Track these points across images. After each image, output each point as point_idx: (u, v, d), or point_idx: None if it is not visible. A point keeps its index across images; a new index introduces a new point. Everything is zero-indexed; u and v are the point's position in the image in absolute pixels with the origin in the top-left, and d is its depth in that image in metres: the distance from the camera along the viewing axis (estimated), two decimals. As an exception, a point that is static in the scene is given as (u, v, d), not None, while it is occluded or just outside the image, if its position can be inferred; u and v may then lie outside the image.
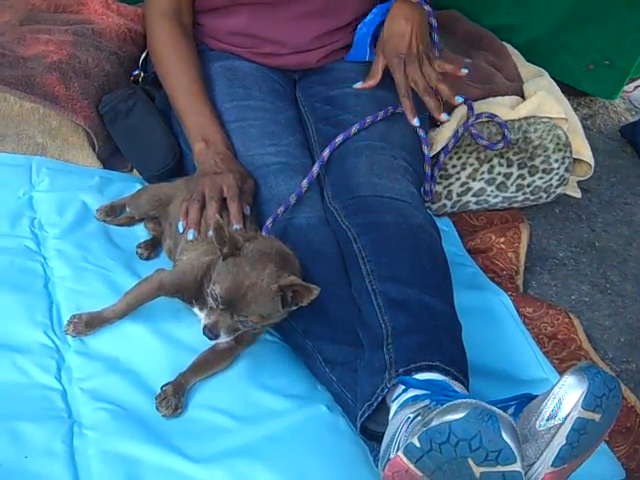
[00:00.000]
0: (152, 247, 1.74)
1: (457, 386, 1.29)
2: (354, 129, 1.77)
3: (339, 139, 1.75)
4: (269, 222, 1.60)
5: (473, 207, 2.14)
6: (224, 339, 1.39)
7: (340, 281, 1.57)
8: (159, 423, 1.39)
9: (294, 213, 1.66)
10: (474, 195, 2.12)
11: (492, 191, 2.12)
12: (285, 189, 1.68)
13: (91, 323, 1.48)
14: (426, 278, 1.50)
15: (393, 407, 1.31)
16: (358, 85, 1.86)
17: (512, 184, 2.12)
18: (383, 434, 1.29)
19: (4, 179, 1.81)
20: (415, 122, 1.76)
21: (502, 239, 2.05)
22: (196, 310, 1.51)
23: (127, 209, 1.79)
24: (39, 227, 1.72)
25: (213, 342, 1.41)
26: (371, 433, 1.37)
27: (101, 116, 1.94)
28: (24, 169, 1.85)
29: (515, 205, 2.17)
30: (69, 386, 1.41)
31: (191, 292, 1.49)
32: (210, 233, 1.52)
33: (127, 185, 1.91)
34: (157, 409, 1.38)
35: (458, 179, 2.09)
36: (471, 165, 2.08)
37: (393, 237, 1.55)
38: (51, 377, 1.41)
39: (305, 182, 1.67)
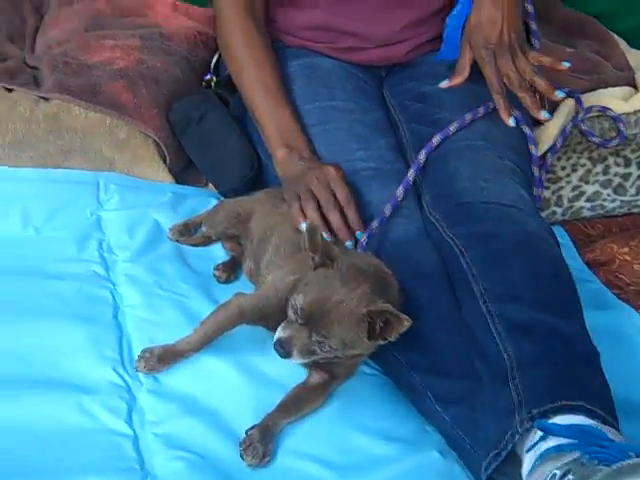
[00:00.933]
0: (231, 269, 1.60)
1: (609, 431, 1.09)
2: (452, 128, 1.60)
3: (436, 139, 1.59)
4: (364, 238, 1.46)
5: (587, 214, 1.94)
6: (296, 359, 1.24)
7: (448, 303, 1.40)
8: (244, 474, 1.22)
9: (390, 225, 1.49)
10: (588, 200, 1.92)
11: (609, 195, 1.92)
12: (378, 198, 1.53)
13: (165, 358, 1.33)
14: (552, 296, 1.31)
15: (528, 458, 1.13)
16: (444, 84, 1.69)
17: (631, 186, 1.92)
18: None
19: (70, 197, 1.71)
20: (511, 122, 1.59)
21: (625, 249, 1.80)
22: None
23: (203, 227, 1.65)
24: (108, 250, 1.61)
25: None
26: None
27: (171, 125, 1.82)
28: (91, 186, 1.75)
29: (635, 210, 1.96)
30: (141, 431, 1.26)
31: (276, 319, 1.31)
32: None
33: (202, 201, 1.77)
34: (241, 457, 1.22)
35: (569, 182, 1.90)
36: (583, 166, 1.89)
37: (507, 249, 1.37)
38: (121, 421, 1.27)
39: (400, 190, 1.51)
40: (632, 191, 1.93)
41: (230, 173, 1.77)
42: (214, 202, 1.72)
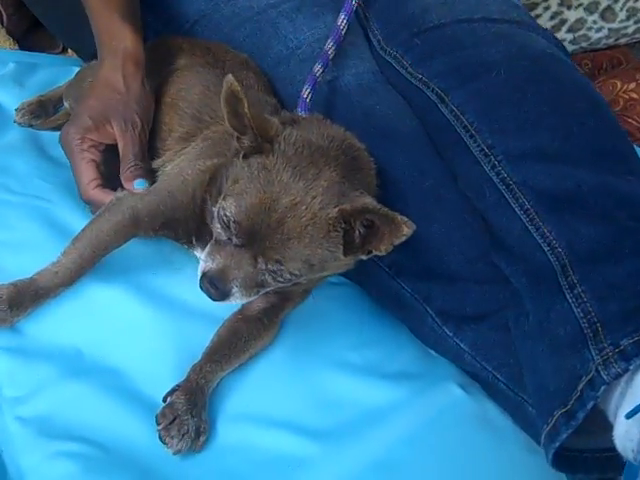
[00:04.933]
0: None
1: None
2: None
3: None
4: (306, 91, 1.08)
5: (569, 48, 1.65)
6: (238, 299, 0.91)
7: (437, 174, 1.07)
8: (171, 469, 0.87)
9: (335, 70, 1.16)
10: (570, 30, 1.71)
11: (594, 22, 1.70)
12: (310, 36, 1.20)
13: (20, 300, 0.96)
14: (595, 143, 0.97)
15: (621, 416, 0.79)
16: None
17: (622, 9, 1.71)
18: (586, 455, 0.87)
19: None
20: None
21: (632, 85, 1.50)
22: (198, 252, 1.04)
23: (65, 103, 1.34)
24: None
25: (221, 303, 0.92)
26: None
27: None
28: None
29: (622, 41, 1.75)
30: (-4, 416, 0.91)
31: (188, 225, 1.03)
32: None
33: (58, 71, 1.47)
34: (162, 442, 0.88)
35: (547, 8, 1.68)
36: None
37: (511, 81, 1.04)
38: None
39: (342, 18, 1.16)
40: (622, 15, 1.72)
41: (90, 30, 1.37)
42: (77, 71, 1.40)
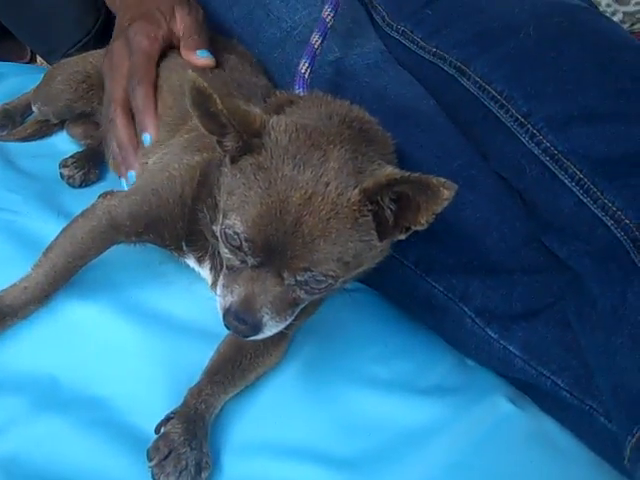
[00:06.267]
0: (87, 163, 1.16)
1: None
2: None
3: None
4: (303, 66, 0.95)
5: None
6: (274, 328, 0.77)
7: (465, 154, 0.95)
8: None
9: (338, 50, 1.07)
10: None
11: (608, 5, 1.53)
12: (307, 15, 1.11)
13: None
14: None
15: None
16: None
17: None
18: None
19: None
20: None
21: None
22: (191, 261, 0.94)
23: (34, 107, 1.23)
24: None
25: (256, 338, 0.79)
26: None
27: None
28: None
29: (638, 27, 1.61)
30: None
31: (176, 227, 0.91)
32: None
33: (25, 80, 1.37)
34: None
35: None
36: None
37: (541, 40, 0.93)
38: None
39: None
40: (637, -1, 1.61)
41: (62, 31, 1.37)
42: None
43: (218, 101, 0.73)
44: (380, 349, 0.91)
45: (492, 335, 0.88)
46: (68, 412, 0.81)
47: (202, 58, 0.99)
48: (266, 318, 0.75)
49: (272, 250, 0.74)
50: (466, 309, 0.89)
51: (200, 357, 0.85)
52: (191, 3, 1.06)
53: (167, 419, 0.78)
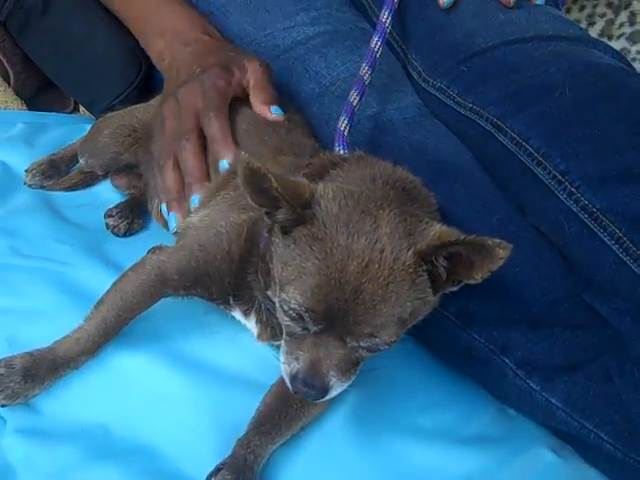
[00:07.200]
0: (131, 213, 1.19)
1: None
2: None
3: None
4: (342, 124, 0.98)
5: None
6: (339, 388, 0.80)
7: (503, 209, 0.97)
8: None
9: (376, 105, 1.09)
10: None
11: (638, 52, 1.55)
12: (345, 70, 1.13)
13: (36, 373, 0.85)
14: None
15: None
16: None
17: None
18: None
19: None
20: None
21: None
22: (237, 314, 0.96)
23: (80, 160, 1.25)
24: None
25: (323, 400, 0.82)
26: None
27: (4, 24, 1.42)
28: None
29: None
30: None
31: (223, 282, 0.92)
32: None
33: (70, 130, 1.40)
34: None
35: None
36: (602, 16, 1.59)
37: (577, 100, 0.95)
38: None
39: (375, 40, 1.07)
40: (669, 46, 1.64)
41: (105, 83, 1.37)
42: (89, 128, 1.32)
43: (274, 180, 0.75)
44: (422, 399, 0.92)
45: (534, 387, 0.88)
46: (120, 461, 0.82)
47: (275, 114, 1.01)
48: (333, 381, 0.77)
49: (334, 317, 0.76)
50: (507, 361, 0.90)
51: (246, 406, 0.87)
52: (260, 58, 1.07)
53: (217, 470, 0.79)
